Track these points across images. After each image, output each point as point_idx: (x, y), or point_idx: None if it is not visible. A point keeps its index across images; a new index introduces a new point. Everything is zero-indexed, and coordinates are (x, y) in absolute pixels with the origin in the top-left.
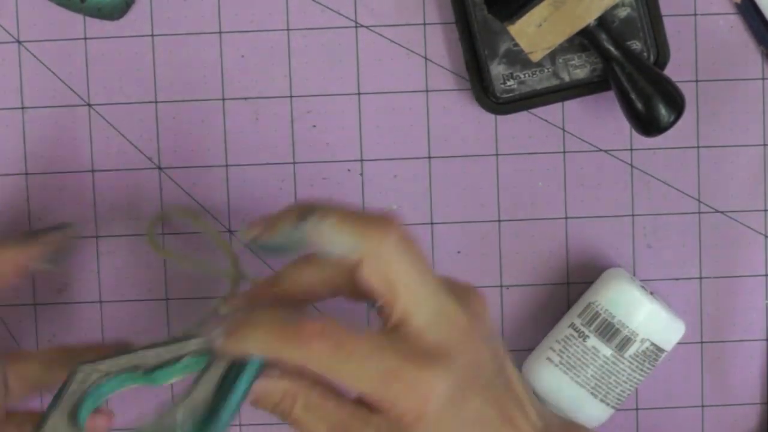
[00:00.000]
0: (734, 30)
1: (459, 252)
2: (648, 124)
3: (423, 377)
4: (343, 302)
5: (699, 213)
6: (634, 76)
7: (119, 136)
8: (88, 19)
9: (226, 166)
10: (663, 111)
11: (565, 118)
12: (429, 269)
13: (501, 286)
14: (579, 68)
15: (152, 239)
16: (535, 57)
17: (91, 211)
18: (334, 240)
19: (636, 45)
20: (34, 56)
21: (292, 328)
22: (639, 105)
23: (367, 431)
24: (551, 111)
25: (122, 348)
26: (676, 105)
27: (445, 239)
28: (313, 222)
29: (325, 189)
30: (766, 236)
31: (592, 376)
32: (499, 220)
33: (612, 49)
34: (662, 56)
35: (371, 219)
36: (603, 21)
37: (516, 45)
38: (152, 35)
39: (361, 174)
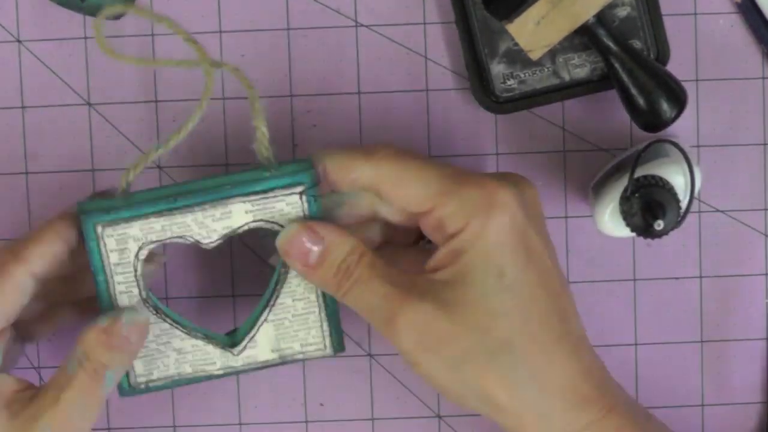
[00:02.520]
0: (734, 29)
1: None
2: (650, 120)
3: (491, 183)
4: None
5: (699, 213)
6: (634, 72)
7: (119, 136)
8: (88, 19)
9: (227, 165)
10: (665, 106)
11: (565, 117)
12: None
13: None
14: (579, 67)
15: (101, 41)
16: (535, 55)
17: None
18: (339, 165)
19: (636, 44)
20: (34, 56)
21: (360, 148)
22: (640, 100)
23: (432, 284)
24: (551, 110)
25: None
26: (678, 100)
27: None
28: (322, 164)
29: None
30: (766, 236)
31: None
32: None
33: (612, 44)
34: (662, 55)
35: (363, 147)
36: (602, 18)
37: (516, 44)
38: (152, 35)
39: None
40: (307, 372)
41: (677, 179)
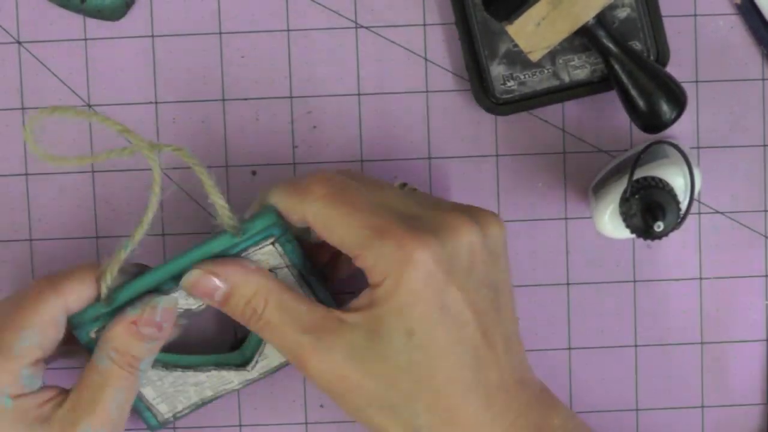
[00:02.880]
0: (734, 30)
1: None
2: (650, 121)
3: (412, 238)
4: None
5: (699, 213)
6: (634, 73)
7: (119, 137)
8: (88, 19)
9: (226, 166)
10: (665, 107)
11: (565, 118)
12: (356, 212)
13: None
14: (579, 69)
15: (30, 140)
16: (534, 57)
17: (92, 212)
18: (283, 208)
19: (636, 45)
20: (34, 56)
21: (299, 182)
22: (640, 102)
23: (343, 327)
24: (551, 111)
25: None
26: (678, 101)
27: None
28: (268, 200)
29: None
30: (766, 237)
31: None
32: None
33: (612, 46)
34: (662, 57)
35: (300, 180)
36: (602, 19)
37: (516, 46)
38: (152, 35)
39: None
40: None
41: (677, 180)
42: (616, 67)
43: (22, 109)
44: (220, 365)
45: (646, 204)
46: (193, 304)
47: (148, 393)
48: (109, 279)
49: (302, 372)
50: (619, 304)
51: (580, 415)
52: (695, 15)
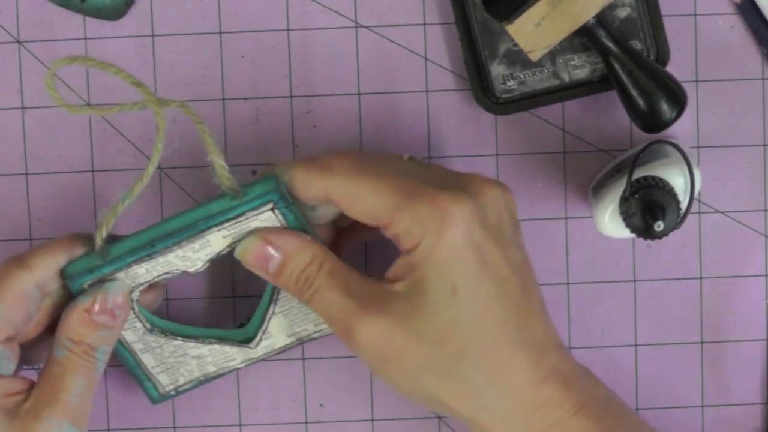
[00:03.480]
0: (734, 30)
1: None
2: (650, 121)
3: (443, 198)
4: None
5: (699, 213)
6: (634, 73)
7: (119, 136)
8: (88, 19)
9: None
10: (665, 107)
11: (565, 118)
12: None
13: None
14: (579, 68)
15: (51, 88)
16: (535, 56)
17: (91, 212)
18: (303, 185)
19: (636, 45)
20: (34, 56)
21: (317, 159)
22: (640, 101)
23: (390, 296)
24: (551, 111)
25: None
26: (678, 101)
27: None
28: (282, 177)
29: None
30: (766, 236)
31: None
32: None
33: (612, 45)
34: (662, 56)
35: (320, 158)
36: (602, 19)
37: (516, 45)
38: (152, 35)
39: None
40: (307, 373)
41: (677, 180)
42: (616, 66)
43: (22, 108)
44: (222, 339)
45: (646, 204)
46: (190, 266)
47: (148, 361)
48: (104, 231)
49: (348, 341)
50: (619, 304)
51: None
52: (695, 15)
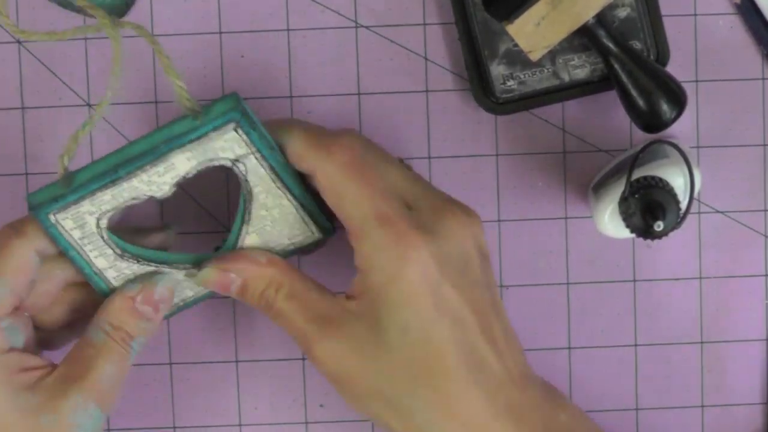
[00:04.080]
0: (734, 30)
1: None
2: (650, 120)
3: (411, 234)
4: None
5: (699, 214)
6: (634, 73)
7: (119, 136)
8: (88, 19)
9: None
10: (665, 107)
11: (565, 118)
12: (377, 192)
13: (501, 286)
14: (579, 68)
15: (6, 21)
16: (535, 56)
17: None
18: (297, 153)
19: (636, 45)
20: (34, 56)
21: (322, 136)
22: (640, 101)
23: (346, 317)
24: (551, 111)
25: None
26: (678, 101)
27: None
28: (282, 137)
29: None
30: (766, 236)
31: None
32: (499, 220)
33: (611, 45)
34: (662, 56)
35: (325, 137)
36: (602, 19)
37: (516, 45)
38: (152, 35)
39: None
40: (307, 372)
41: (677, 180)
42: (616, 66)
43: (22, 108)
44: (197, 263)
45: (646, 204)
46: (156, 191)
47: (117, 282)
48: (66, 159)
49: (309, 359)
50: (619, 304)
51: None
52: (695, 15)
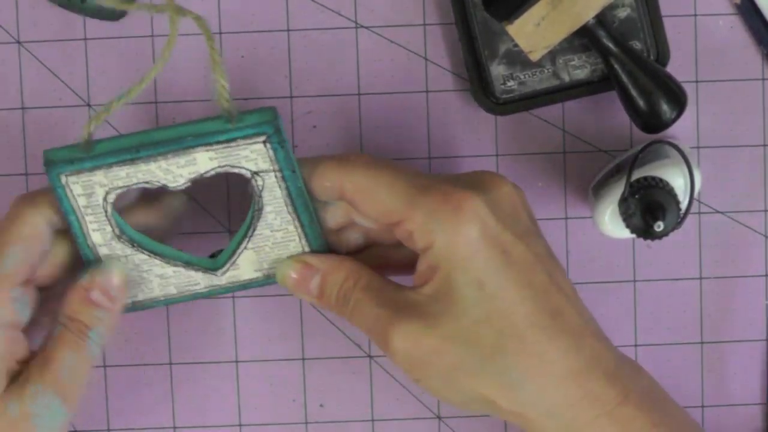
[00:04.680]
0: (734, 30)
1: None
2: (650, 121)
3: (456, 193)
4: None
5: (699, 214)
6: (634, 73)
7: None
8: (88, 19)
9: None
10: (665, 107)
11: (565, 118)
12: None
13: None
14: (579, 69)
15: None
16: (535, 56)
17: None
18: (322, 173)
19: (636, 45)
20: (34, 56)
21: (335, 155)
22: (640, 102)
23: (421, 299)
24: (551, 111)
25: None
26: (678, 101)
27: None
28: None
29: None
30: (766, 236)
31: None
32: None
33: (612, 46)
34: (662, 56)
35: (339, 155)
36: (602, 19)
37: (516, 46)
38: (152, 35)
39: None
40: (307, 373)
41: (677, 180)
42: (616, 67)
43: (22, 109)
44: (189, 264)
45: (647, 204)
46: (171, 181)
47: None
48: (93, 126)
49: (386, 350)
50: (619, 304)
51: None
52: (695, 15)
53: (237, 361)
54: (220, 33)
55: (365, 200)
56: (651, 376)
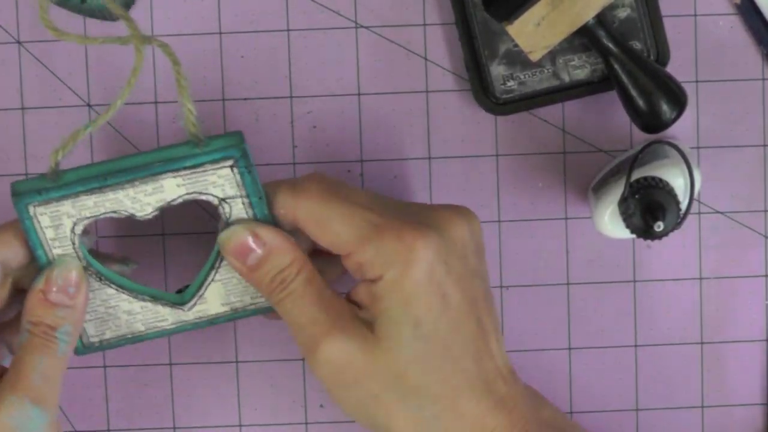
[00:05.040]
0: (734, 30)
1: None
2: (650, 121)
3: (409, 234)
4: None
5: (699, 214)
6: (634, 73)
7: (119, 137)
8: (88, 19)
9: None
10: (665, 107)
11: (565, 118)
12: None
13: (501, 286)
14: (579, 69)
15: (45, 19)
16: (535, 56)
17: None
18: (277, 211)
19: (636, 45)
20: (34, 56)
21: (292, 180)
22: (640, 102)
23: (357, 319)
24: (551, 111)
25: None
26: (678, 101)
27: None
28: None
29: None
30: (766, 236)
31: None
32: (499, 221)
33: (612, 46)
34: (662, 57)
35: (292, 181)
36: (602, 19)
37: (516, 46)
38: (152, 35)
39: (361, 174)
40: (307, 373)
41: (677, 180)
42: (616, 67)
43: (22, 109)
44: (156, 299)
45: (646, 204)
46: (138, 210)
47: None
48: (60, 155)
49: (310, 355)
50: (619, 304)
51: (580, 415)
52: (695, 15)
53: (237, 362)
54: (220, 33)
55: (317, 231)
56: (554, 408)
